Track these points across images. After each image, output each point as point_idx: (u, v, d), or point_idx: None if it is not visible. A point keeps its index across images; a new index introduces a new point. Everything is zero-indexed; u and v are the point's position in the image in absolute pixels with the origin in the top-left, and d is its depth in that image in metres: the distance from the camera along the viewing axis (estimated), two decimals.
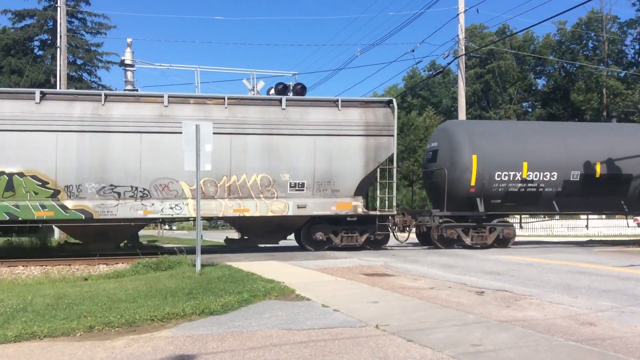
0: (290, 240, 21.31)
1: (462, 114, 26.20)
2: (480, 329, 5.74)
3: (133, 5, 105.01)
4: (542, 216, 21.88)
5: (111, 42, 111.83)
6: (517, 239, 22.39)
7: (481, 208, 15.99)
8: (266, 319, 6.34)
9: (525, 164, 16.14)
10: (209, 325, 6.12)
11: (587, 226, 23.43)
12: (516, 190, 16.22)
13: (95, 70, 43.68)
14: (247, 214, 14.87)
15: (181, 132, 14.20)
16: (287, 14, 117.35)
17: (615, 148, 16.87)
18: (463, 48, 26.00)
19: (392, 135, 15.71)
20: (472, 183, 15.95)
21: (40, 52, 42.11)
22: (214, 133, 14.56)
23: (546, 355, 4.78)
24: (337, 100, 15.75)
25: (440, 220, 16.18)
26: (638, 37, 47.61)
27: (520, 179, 16.14)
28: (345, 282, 9.25)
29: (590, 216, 21.32)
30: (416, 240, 17.86)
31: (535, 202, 16.56)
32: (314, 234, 15.56)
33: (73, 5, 39.95)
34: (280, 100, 15.37)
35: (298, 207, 15.04)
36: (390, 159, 15.93)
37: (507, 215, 17.26)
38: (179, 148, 14.45)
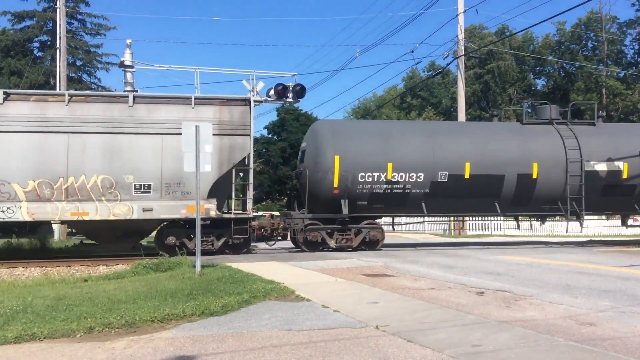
0: (290, 240, 21.23)
1: (461, 115, 26.24)
2: (480, 329, 5.74)
3: (132, 7, 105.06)
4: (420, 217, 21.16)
5: (111, 43, 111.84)
6: (520, 239, 22.25)
7: (345, 210, 15.43)
8: (266, 319, 6.34)
9: (390, 165, 15.62)
10: (209, 326, 6.12)
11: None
12: (382, 191, 15.70)
13: (95, 72, 43.69)
14: (86, 218, 14.20)
15: (15, 131, 14.13)
16: (287, 14, 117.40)
17: (488, 148, 16.30)
18: (462, 48, 26.04)
19: (249, 135, 15.23)
20: (335, 184, 15.41)
21: (40, 54, 42.12)
22: (49, 132, 14.27)
23: (546, 356, 4.78)
24: (191, 98, 15.18)
25: (307, 223, 15.64)
26: (637, 37, 47.65)
27: (385, 180, 15.60)
28: (345, 282, 9.25)
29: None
30: (292, 244, 17.20)
31: (403, 203, 16.04)
32: (165, 238, 14.82)
33: (72, 7, 39.96)
34: (128, 97, 14.82)
35: (144, 211, 14.37)
36: (247, 160, 15.34)
37: (377, 217, 16.62)
38: (10, 149, 14.12)
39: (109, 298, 7.80)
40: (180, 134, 14.27)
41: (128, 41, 18.86)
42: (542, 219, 18.50)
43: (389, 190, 15.74)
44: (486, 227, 30.96)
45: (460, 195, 16.10)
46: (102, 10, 75.57)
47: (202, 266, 10.50)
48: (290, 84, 17.94)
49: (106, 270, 13.42)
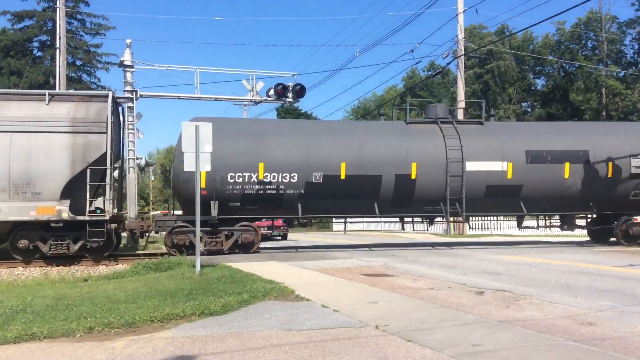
0: (290, 240, 21.39)
1: (461, 115, 26.24)
2: (480, 329, 5.74)
3: (132, 6, 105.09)
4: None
5: (110, 43, 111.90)
6: (520, 239, 22.13)
7: (214, 212, 14.79)
8: (266, 319, 6.34)
9: (261, 165, 15.06)
10: (209, 325, 6.12)
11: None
12: (254, 192, 15.12)
13: (95, 71, 43.76)
14: None
15: None
16: (287, 14, 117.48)
17: (366, 148, 15.75)
18: (462, 48, 26.04)
19: (105, 133, 14.41)
20: (203, 185, 14.52)
21: (40, 53, 42.14)
22: None
23: (546, 356, 4.78)
24: (45, 94, 14.64)
25: (176, 225, 15.01)
26: (637, 37, 47.66)
27: (256, 180, 15.05)
28: (344, 282, 9.25)
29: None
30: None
31: (278, 204, 15.50)
32: (17, 241, 14.20)
33: (72, 6, 39.99)
34: None
35: None
36: (104, 159, 14.49)
37: (255, 219, 15.93)
38: None
39: (108, 298, 7.81)
40: (32, 131, 13.99)
41: (128, 41, 18.87)
42: (430, 220, 17.72)
43: (261, 191, 15.20)
44: (485, 227, 31.00)
45: (337, 196, 15.61)
46: (101, 10, 75.64)
47: (202, 266, 10.52)
48: (290, 84, 17.95)
49: (106, 270, 13.44)
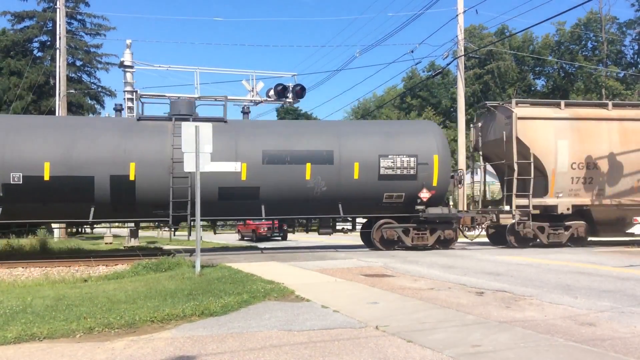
0: (290, 241, 21.38)
1: (461, 115, 26.26)
2: (480, 329, 5.74)
3: (132, 7, 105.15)
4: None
5: (110, 44, 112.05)
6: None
7: None
8: (266, 320, 6.34)
9: None
10: (209, 326, 6.12)
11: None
12: None
13: (95, 72, 43.78)
14: None
15: None
16: (287, 14, 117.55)
17: (77, 146, 14.42)
18: (462, 49, 26.03)
19: None
20: None
21: (40, 54, 42.17)
22: None
23: (546, 356, 4.78)
24: None
25: None
26: (637, 37, 47.67)
27: None
28: (344, 283, 9.25)
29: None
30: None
31: None
32: None
33: (72, 7, 39.99)
34: None
35: None
36: None
37: None
38: None
39: (108, 298, 7.80)
40: None
41: (128, 41, 18.89)
42: (173, 225, 16.09)
43: None
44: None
45: (44, 200, 14.25)
46: (101, 10, 75.61)
47: (202, 266, 10.51)
48: (290, 84, 17.96)
49: (106, 270, 13.41)
